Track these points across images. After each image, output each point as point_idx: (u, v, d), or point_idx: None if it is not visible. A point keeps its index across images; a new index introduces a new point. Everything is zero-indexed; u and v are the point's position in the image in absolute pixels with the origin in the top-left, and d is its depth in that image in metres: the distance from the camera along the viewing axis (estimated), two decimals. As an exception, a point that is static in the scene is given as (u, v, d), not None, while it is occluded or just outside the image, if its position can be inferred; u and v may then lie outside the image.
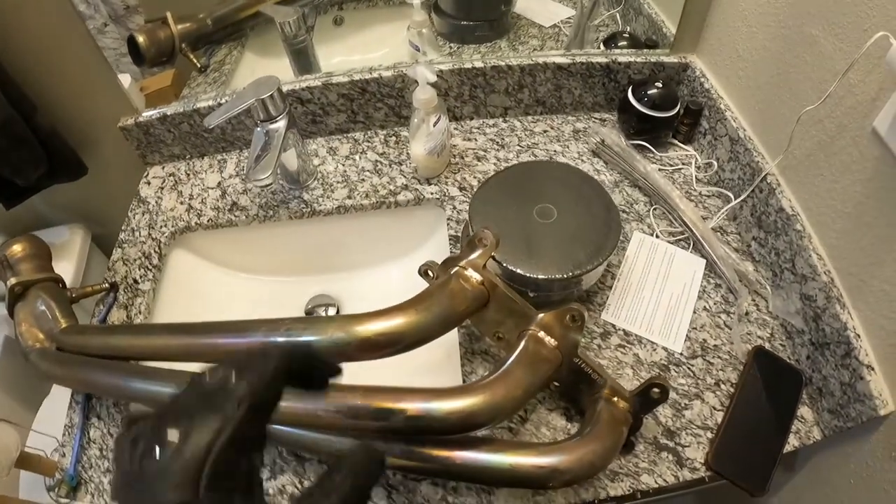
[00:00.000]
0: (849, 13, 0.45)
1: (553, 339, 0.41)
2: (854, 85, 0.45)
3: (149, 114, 0.69)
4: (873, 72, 0.43)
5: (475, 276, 0.43)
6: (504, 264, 0.47)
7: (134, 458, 0.23)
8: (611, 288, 0.56)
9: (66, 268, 0.77)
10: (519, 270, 0.46)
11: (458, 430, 0.36)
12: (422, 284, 0.45)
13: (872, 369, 0.45)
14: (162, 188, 0.71)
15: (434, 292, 0.41)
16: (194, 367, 0.34)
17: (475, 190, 0.55)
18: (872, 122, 0.44)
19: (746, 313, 0.55)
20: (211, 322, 0.42)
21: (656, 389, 0.40)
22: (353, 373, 0.35)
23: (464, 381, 0.51)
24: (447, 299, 0.41)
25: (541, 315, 0.42)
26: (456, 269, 0.43)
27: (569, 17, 0.80)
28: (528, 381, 0.38)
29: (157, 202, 0.69)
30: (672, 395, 0.49)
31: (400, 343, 0.36)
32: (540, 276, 0.46)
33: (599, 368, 0.43)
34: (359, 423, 0.36)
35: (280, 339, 0.36)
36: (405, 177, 0.68)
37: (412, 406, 0.35)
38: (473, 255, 0.43)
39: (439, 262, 0.46)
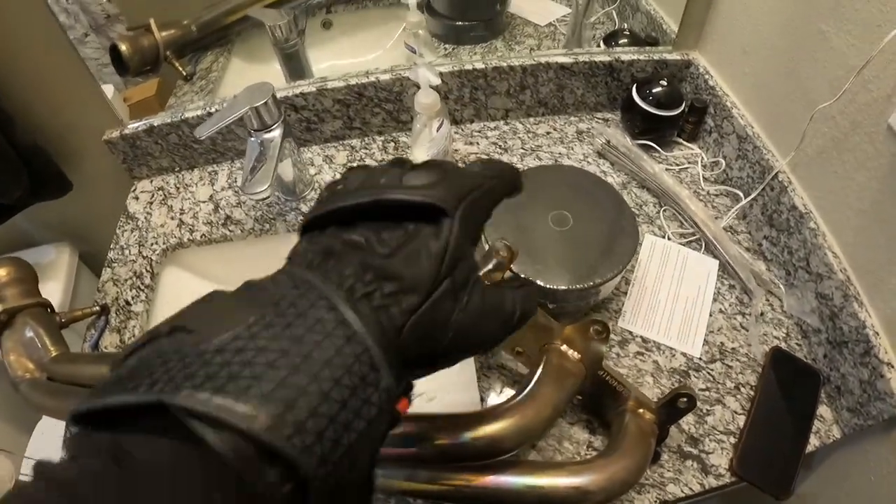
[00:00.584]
0: (861, 9, 0.44)
1: (576, 353, 0.40)
2: (869, 81, 0.44)
3: (135, 125, 0.66)
4: (888, 68, 0.42)
5: (493, 290, 0.41)
6: (523, 277, 0.45)
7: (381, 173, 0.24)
8: (626, 294, 0.55)
9: (53, 288, 0.74)
10: (539, 282, 0.45)
11: (484, 457, 0.35)
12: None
13: (892, 367, 0.44)
14: (151, 203, 0.68)
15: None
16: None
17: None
18: (888, 119, 0.43)
19: (762, 314, 0.54)
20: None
21: (683, 399, 0.39)
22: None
23: (481, 397, 0.49)
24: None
25: (563, 328, 0.40)
26: (472, 283, 0.41)
27: (564, 16, 0.78)
28: (556, 398, 0.36)
29: (146, 218, 0.66)
30: (694, 401, 0.48)
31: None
32: (560, 287, 0.45)
33: (623, 380, 0.41)
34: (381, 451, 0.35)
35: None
36: (407, 184, 0.66)
37: (439, 435, 0.33)
38: (489, 268, 0.41)
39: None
